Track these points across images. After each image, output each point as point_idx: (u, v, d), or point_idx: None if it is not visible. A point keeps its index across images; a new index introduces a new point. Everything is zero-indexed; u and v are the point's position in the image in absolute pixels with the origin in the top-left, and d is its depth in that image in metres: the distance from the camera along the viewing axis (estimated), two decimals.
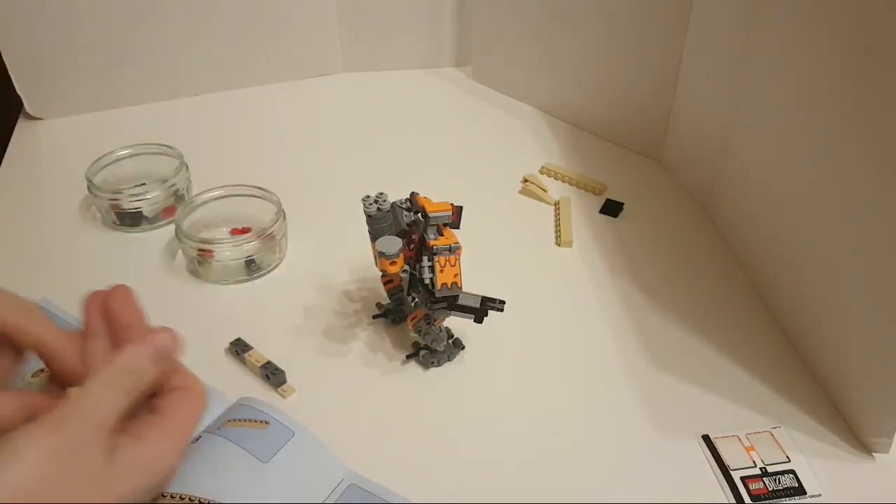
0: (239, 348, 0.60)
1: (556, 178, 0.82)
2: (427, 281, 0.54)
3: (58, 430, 0.36)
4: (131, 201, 0.73)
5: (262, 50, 0.97)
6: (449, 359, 0.60)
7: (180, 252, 0.71)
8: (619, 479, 0.52)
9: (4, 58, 0.86)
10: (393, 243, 0.54)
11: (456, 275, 0.53)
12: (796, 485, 0.51)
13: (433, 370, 0.60)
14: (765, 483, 0.51)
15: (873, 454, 0.54)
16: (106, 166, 0.76)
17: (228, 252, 0.67)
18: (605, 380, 0.59)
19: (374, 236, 0.57)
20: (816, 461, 0.53)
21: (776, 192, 0.63)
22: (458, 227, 0.75)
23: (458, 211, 0.79)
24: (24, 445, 0.35)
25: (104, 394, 0.38)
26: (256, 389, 0.57)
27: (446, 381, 0.59)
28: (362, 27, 0.99)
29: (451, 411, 0.57)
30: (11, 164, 0.85)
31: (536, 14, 0.88)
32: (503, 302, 0.56)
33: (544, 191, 0.79)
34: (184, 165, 0.76)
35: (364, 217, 0.57)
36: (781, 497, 0.50)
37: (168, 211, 0.75)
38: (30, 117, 0.92)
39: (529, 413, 0.57)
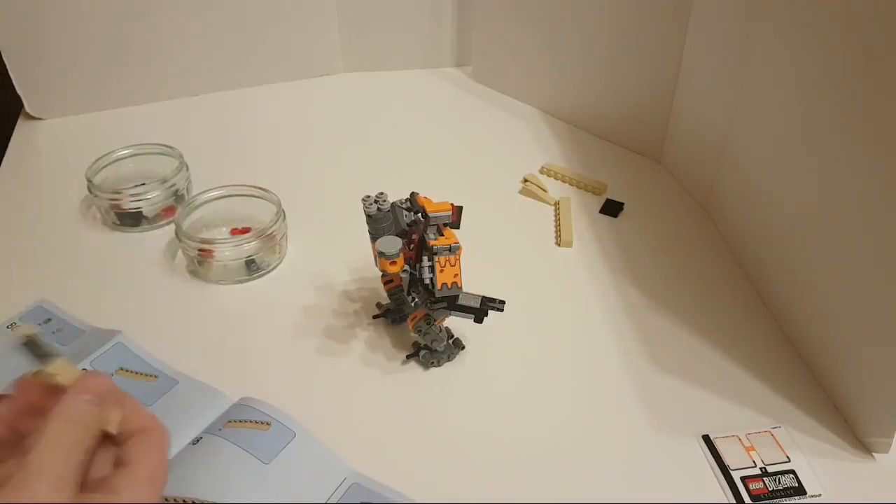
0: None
1: (556, 178, 0.82)
2: (427, 281, 0.54)
3: (17, 495, 0.35)
4: (131, 201, 0.73)
5: (263, 50, 0.97)
6: (449, 359, 0.60)
7: (180, 252, 0.71)
8: (620, 479, 0.52)
9: (4, 58, 0.86)
10: (393, 243, 0.54)
11: (456, 275, 0.53)
12: (796, 485, 0.51)
13: (433, 370, 0.60)
14: (765, 483, 0.51)
15: (873, 454, 0.54)
16: (106, 166, 0.76)
17: (228, 252, 0.67)
18: (605, 380, 0.59)
19: (374, 236, 0.57)
20: (816, 461, 0.53)
21: (776, 193, 0.63)
22: (458, 227, 0.76)
23: (458, 211, 0.79)
24: None
25: (54, 450, 0.37)
26: (257, 390, 0.57)
27: (446, 381, 0.59)
28: (362, 27, 0.99)
29: (451, 411, 0.57)
30: (11, 164, 0.85)
31: (536, 14, 0.88)
32: (503, 302, 0.56)
33: (544, 191, 0.79)
34: (184, 165, 0.76)
35: (364, 217, 0.57)
36: (781, 497, 0.50)
37: (168, 211, 0.75)
38: (30, 117, 0.92)
39: (529, 413, 0.57)
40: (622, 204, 0.78)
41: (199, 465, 0.49)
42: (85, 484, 0.38)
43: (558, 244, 0.73)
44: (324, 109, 0.96)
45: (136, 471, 0.40)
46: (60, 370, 0.41)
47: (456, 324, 0.59)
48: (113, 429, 0.41)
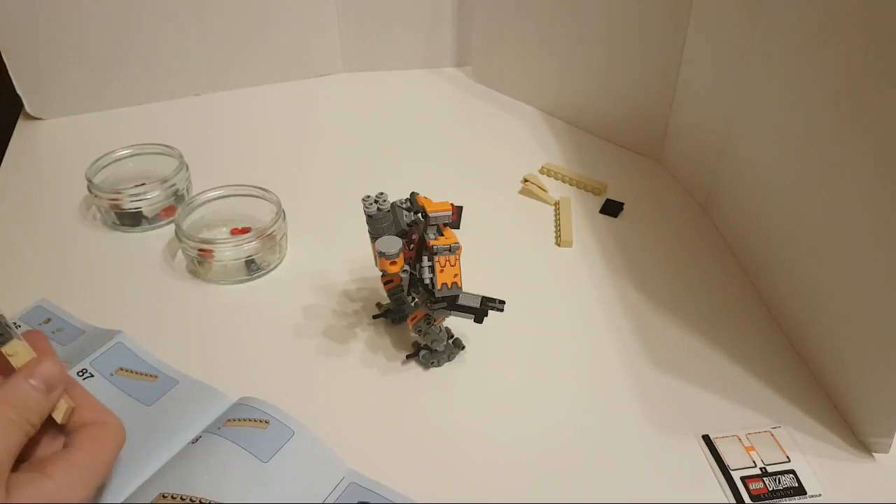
0: None
1: (556, 178, 0.82)
2: (427, 281, 0.54)
3: None
4: (131, 201, 0.73)
5: (263, 50, 0.97)
6: (449, 359, 0.60)
7: (180, 252, 0.71)
8: (620, 479, 0.52)
9: (4, 58, 0.86)
10: (393, 243, 0.54)
11: (456, 275, 0.53)
12: (796, 485, 0.51)
13: (433, 370, 0.60)
14: (765, 483, 0.51)
15: (873, 454, 0.54)
16: (106, 166, 0.76)
17: (228, 252, 0.67)
18: (605, 380, 0.59)
19: (374, 236, 0.57)
20: (816, 461, 0.53)
21: (776, 192, 0.63)
22: (458, 227, 0.76)
23: (458, 211, 0.79)
24: None
25: None
26: (257, 389, 0.57)
27: (446, 381, 0.59)
28: (362, 27, 0.99)
29: (451, 411, 0.57)
30: (11, 164, 0.85)
31: (536, 14, 0.88)
32: (503, 302, 0.56)
33: (544, 191, 0.79)
34: (184, 165, 0.76)
35: (364, 217, 0.57)
36: (781, 497, 0.50)
37: (168, 211, 0.75)
38: (30, 117, 0.92)
39: (529, 413, 0.57)
40: (622, 204, 0.78)
41: (197, 464, 0.49)
42: (22, 465, 0.38)
43: (558, 244, 0.73)
44: (324, 109, 0.96)
45: (72, 456, 0.39)
46: (16, 352, 0.41)
47: (456, 324, 0.59)
48: (59, 417, 0.40)
